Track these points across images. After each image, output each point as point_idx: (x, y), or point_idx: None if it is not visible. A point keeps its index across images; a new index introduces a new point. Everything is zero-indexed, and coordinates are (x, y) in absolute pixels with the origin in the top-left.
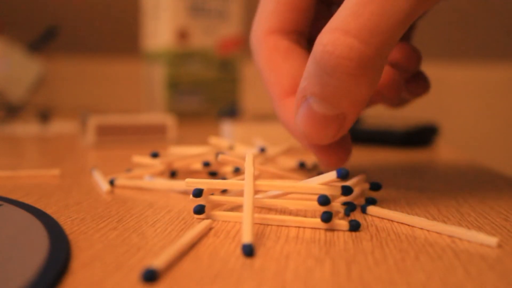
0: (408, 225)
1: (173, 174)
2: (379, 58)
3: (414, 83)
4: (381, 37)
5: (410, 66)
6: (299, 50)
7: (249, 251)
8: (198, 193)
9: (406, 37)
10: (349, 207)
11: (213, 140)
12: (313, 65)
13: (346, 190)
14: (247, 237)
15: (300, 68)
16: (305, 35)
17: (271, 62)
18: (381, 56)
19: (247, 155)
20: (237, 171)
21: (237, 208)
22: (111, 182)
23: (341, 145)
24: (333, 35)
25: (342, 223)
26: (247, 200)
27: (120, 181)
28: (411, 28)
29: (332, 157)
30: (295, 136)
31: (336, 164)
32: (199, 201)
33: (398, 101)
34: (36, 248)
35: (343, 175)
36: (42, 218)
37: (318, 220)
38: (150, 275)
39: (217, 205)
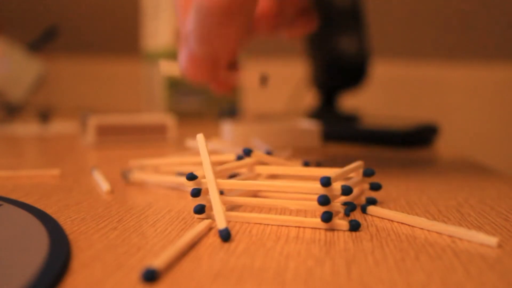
0: (408, 225)
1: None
2: (246, 4)
3: (302, 16)
4: None
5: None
6: None
7: (225, 235)
8: (196, 192)
9: None
10: (349, 207)
11: (190, 143)
12: (193, 7)
13: (346, 190)
14: (221, 223)
15: None
16: None
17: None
18: (249, 3)
19: (198, 136)
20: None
21: (237, 208)
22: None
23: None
24: None
25: (342, 223)
26: (211, 185)
27: (138, 176)
28: None
29: (218, 88)
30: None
31: (223, 93)
32: (199, 200)
33: (280, 29)
34: (36, 248)
35: (325, 184)
36: (42, 218)
37: (318, 220)
38: (150, 275)
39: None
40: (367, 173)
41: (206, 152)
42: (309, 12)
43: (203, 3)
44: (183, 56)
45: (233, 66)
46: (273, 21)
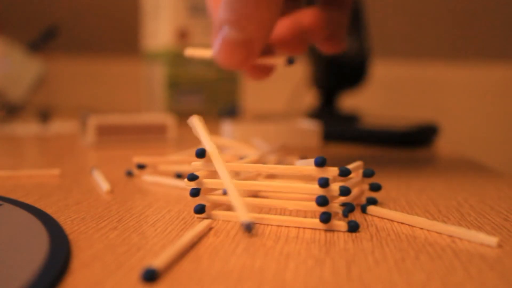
0: (408, 225)
1: (179, 176)
2: None
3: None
4: None
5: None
6: None
7: (249, 228)
8: (195, 192)
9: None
10: (348, 208)
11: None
12: None
13: (344, 191)
14: (243, 215)
15: None
16: None
17: None
18: None
19: (192, 119)
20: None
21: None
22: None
23: (260, 68)
24: None
25: (340, 224)
26: (226, 180)
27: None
28: None
29: (252, 74)
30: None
31: (258, 79)
32: (199, 200)
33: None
34: (36, 248)
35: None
36: (42, 218)
37: (317, 220)
38: (150, 275)
39: (217, 205)
40: (367, 174)
41: (204, 133)
42: (340, 32)
43: None
44: (216, 42)
45: (268, 50)
46: (322, 33)
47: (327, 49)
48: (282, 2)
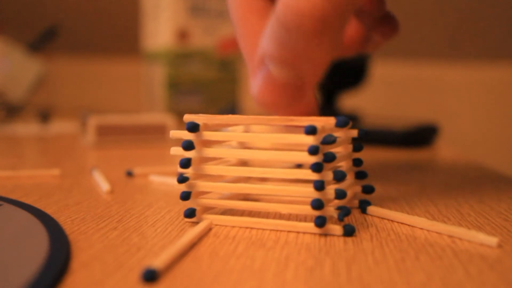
0: (408, 225)
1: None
2: (341, 16)
3: (383, 25)
4: None
5: (374, 10)
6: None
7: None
8: (186, 196)
9: None
10: (343, 212)
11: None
12: (274, 24)
13: (340, 194)
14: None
15: None
16: None
17: (245, 22)
18: (344, 15)
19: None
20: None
21: (229, 211)
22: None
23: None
24: None
25: (336, 228)
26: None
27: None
28: None
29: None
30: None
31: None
32: (189, 204)
33: (367, 47)
34: (36, 248)
35: (318, 187)
36: (42, 218)
37: (312, 224)
38: (150, 275)
39: (208, 208)
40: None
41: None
42: (388, 18)
43: (290, 19)
44: (258, 81)
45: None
46: (362, 46)
47: (387, 31)
48: (342, 35)
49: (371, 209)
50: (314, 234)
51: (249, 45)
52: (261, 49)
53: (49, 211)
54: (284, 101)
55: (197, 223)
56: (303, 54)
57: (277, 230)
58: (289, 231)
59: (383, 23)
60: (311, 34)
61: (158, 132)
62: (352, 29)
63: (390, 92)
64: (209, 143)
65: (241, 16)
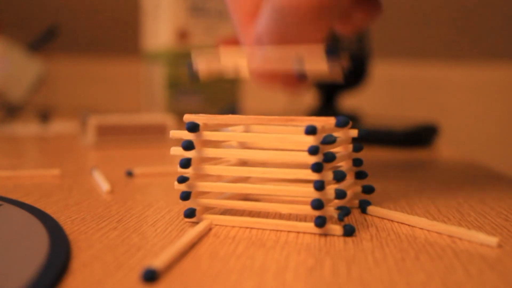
0: (408, 225)
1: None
2: (337, 4)
3: (365, 2)
4: None
5: None
6: None
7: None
8: (186, 196)
9: None
10: (343, 212)
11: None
12: (270, 9)
13: (340, 194)
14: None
15: None
16: None
17: None
18: (340, 2)
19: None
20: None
21: (228, 211)
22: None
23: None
24: None
25: (336, 228)
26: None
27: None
28: None
29: (293, 91)
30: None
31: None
32: (189, 204)
33: (348, 26)
34: (36, 248)
35: (318, 187)
36: (42, 218)
37: (312, 224)
38: (150, 275)
39: (208, 208)
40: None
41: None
42: None
43: (287, 2)
44: (256, 58)
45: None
46: (341, 23)
47: (369, 10)
48: (337, 16)
49: (371, 209)
50: (314, 234)
51: (237, 7)
52: (257, 30)
53: (49, 211)
54: (280, 78)
55: (197, 223)
56: (299, 34)
57: (277, 230)
58: (289, 231)
59: (363, 3)
60: (307, 16)
61: (158, 132)
62: None
63: (390, 92)
64: (209, 143)
65: None
